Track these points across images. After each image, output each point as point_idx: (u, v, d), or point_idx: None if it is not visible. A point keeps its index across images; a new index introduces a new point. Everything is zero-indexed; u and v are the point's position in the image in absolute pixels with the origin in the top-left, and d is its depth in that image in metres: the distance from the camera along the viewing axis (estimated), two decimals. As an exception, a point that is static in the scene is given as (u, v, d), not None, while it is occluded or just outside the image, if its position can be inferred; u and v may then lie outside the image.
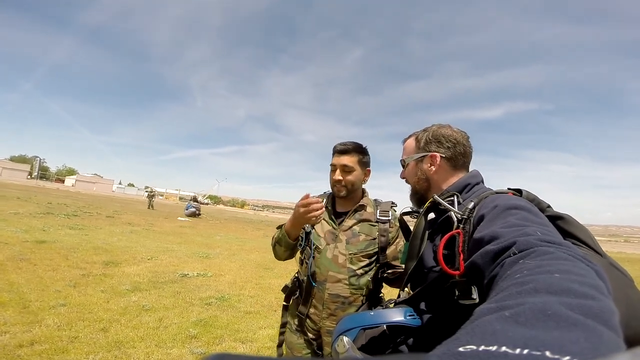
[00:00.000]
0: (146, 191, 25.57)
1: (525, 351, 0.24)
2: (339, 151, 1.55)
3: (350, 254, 1.50)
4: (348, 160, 1.53)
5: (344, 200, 1.62)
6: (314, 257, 1.54)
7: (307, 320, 1.54)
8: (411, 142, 1.16)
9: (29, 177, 64.70)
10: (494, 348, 0.25)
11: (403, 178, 1.19)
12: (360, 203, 1.60)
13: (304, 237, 1.62)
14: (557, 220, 0.81)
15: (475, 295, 0.72)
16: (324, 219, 1.61)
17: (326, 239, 1.56)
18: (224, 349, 2.93)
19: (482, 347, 0.26)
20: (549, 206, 0.86)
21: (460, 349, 0.26)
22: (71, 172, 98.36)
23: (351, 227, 1.55)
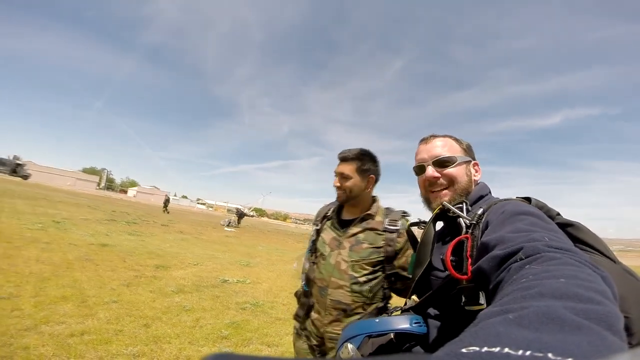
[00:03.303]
0: (166, 197, 28.07)
1: (528, 353, 0.24)
2: (339, 159, 1.61)
3: (352, 260, 1.50)
4: (344, 167, 1.58)
5: (351, 208, 1.63)
6: (316, 264, 1.59)
7: (310, 325, 1.56)
8: (452, 142, 1.10)
9: (97, 187, 72.10)
10: (496, 349, 0.25)
11: (442, 176, 1.04)
12: (368, 212, 1.59)
13: (310, 245, 1.68)
14: (567, 227, 0.79)
15: (482, 300, 0.71)
16: (329, 227, 1.65)
17: (330, 246, 1.58)
18: (251, 351, 2.99)
19: (484, 349, 0.26)
20: (558, 214, 0.85)
21: (463, 350, 0.27)
22: (133, 184, 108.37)
23: (355, 234, 1.55)
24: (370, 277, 1.48)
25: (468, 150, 1.10)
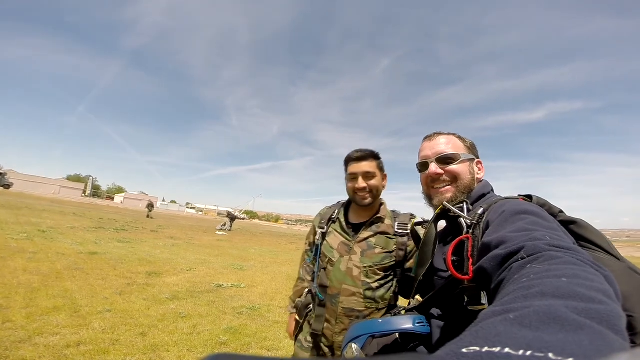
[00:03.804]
0: (148, 202, 27.33)
1: (528, 352, 0.24)
2: (357, 158, 1.50)
3: (365, 266, 1.43)
4: (368, 166, 1.49)
5: (359, 211, 1.55)
6: (325, 269, 1.51)
7: (322, 338, 1.49)
8: (456, 140, 1.11)
9: (83, 194, 70.18)
10: (497, 349, 0.25)
11: (445, 173, 1.05)
12: (378, 215, 1.51)
13: (314, 249, 1.60)
14: (570, 224, 0.80)
15: (484, 300, 0.72)
16: (336, 230, 1.56)
17: (339, 251, 1.50)
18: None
19: (485, 348, 0.26)
20: (561, 211, 0.85)
21: (464, 350, 0.26)
22: (120, 190, 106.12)
23: (367, 239, 1.48)
24: (382, 282, 1.44)
25: (472, 148, 1.11)
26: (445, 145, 1.08)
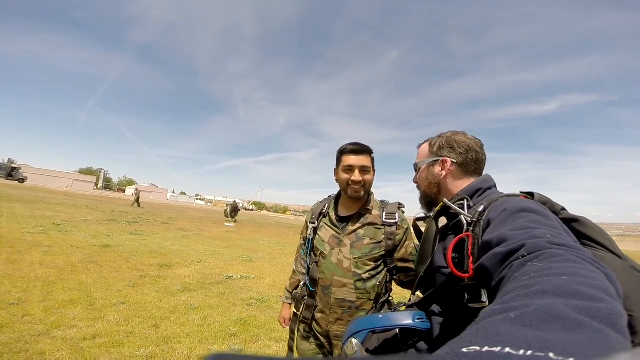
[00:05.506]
0: (135, 190, 26.95)
1: (529, 352, 0.24)
2: (355, 151, 1.50)
3: (354, 258, 1.47)
4: (365, 160, 1.50)
5: (349, 204, 1.58)
6: (317, 263, 1.55)
7: (314, 325, 1.55)
8: (425, 147, 1.17)
9: (95, 187, 71.16)
10: (497, 349, 0.25)
11: (415, 183, 1.19)
12: (365, 206, 1.55)
13: (307, 244, 1.64)
14: (572, 222, 0.79)
15: (484, 298, 0.72)
16: (326, 224, 1.60)
17: (330, 244, 1.54)
18: (260, 347, 3.06)
19: (485, 348, 0.26)
20: (563, 209, 0.84)
21: (464, 349, 0.26)
22: (131, 182, 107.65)
23: (355, 230, 1.51)
24: (373, 272, 1.47)
25: (438, 150, 1.10)
26: (417, 156, 1.21)
